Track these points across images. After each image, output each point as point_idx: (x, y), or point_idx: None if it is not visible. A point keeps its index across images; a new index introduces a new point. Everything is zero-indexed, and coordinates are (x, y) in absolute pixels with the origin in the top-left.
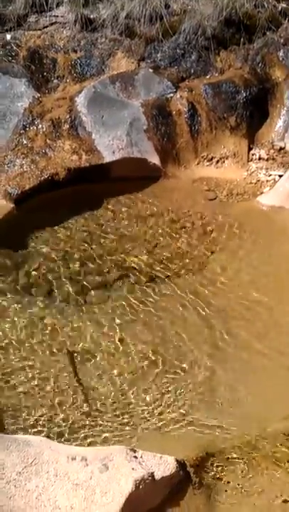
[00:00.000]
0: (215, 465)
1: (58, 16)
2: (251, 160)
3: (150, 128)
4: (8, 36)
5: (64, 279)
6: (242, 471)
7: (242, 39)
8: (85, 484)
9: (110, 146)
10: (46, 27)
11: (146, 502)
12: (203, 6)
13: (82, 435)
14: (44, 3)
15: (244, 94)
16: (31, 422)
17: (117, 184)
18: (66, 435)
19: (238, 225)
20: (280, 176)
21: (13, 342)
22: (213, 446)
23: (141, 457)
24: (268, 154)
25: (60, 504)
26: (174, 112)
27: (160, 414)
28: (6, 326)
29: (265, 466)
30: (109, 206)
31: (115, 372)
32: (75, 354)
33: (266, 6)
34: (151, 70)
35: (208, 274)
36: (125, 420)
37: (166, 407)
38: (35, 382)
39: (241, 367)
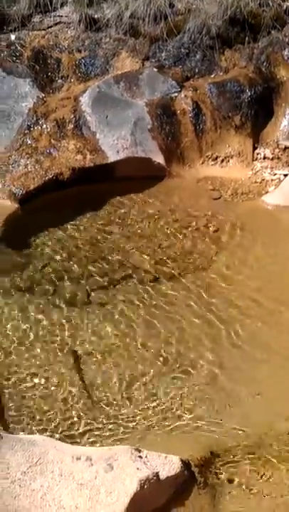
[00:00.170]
0: (220, 465)
1: (62, 16)
2: (256, 159)
3: (154, 127)
4: (13, 36)
5: (68, 279)
6: (247, 471)
7: (247, 38)
8: (89, 484)
9: (115, 146)
10: (50, 27)
11: (151, 502)
12: (208, 5)
13: (87, 435)
14: (48, 3)
15: (249, 94)
16: (36, 422)
17: (122, 184)
18: (71, 435)
19: (243, 224)
20: (285, 175)
21: (17, 342)
22: (218, 446)
23: (146, 457)
24: (272, 153)
25: (65, 504)
26: (179, 112)
27: (165, 413)
28: (10, 325)
29: (270, 465)
30: (114, 206)
31: (120, 372)
32: (80, 354)
33: (271, 4)
34: (155, 70)
35: (212, 274)
36: (130, 420)
37: (171, 407)
38: (39, 383)
39: (247, 367)
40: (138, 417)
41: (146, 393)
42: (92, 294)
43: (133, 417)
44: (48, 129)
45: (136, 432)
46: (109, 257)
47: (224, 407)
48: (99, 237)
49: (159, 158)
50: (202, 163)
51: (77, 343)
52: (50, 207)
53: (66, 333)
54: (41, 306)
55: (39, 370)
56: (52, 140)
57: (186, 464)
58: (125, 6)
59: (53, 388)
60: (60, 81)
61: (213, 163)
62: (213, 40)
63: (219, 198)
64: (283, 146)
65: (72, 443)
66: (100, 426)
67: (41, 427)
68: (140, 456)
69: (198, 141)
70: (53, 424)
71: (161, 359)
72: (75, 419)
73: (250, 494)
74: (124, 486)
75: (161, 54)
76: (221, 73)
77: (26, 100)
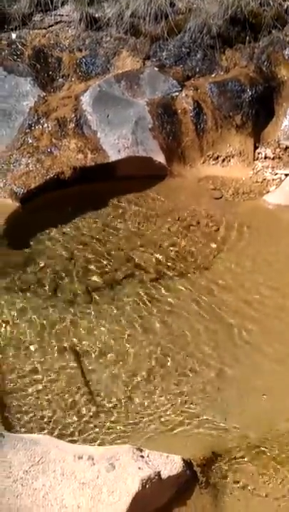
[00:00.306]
0: (222, 464)
1: (62, 15)
2: (257, 159)
3: (155, 127)
4: (14, 35)
5: (70, 278)
6: (249, 471)
7: (247, 37)
8: (91, 483)
9: (116, 145)
10: (51, 26)
11: (152, 501)
12: (209, 5)
13: (89, 434)
14: (49, 2)
15: (250, 93)
16: (38, 421)
17: (123, 183)
18: (73, 434)
19: (244, 224)
20: (287, 175)
21: (18, 341)
22: (220, 446)
23: (148, 456)
24: (273, 153)
25: (67, 503)
26: (180, 111)
27: (167, 413)
28: (11, 325)
29: (272, 465)
30: (115, 205)
31: (122, 371)
32: (82, 353)
33: (272, 4)
34: (156, 69)
35: (214, 273)
36: (132, 419)
37: (174, 407)
38: (42, 381)
39: (249, 366)
40: (140, 417)
41: (148, 392)
42: (94, 293)
43: (135, 416)
44: (49, 128)
45: (138, 431)
46: (111, 257)
47: (227, 406)
48: (100, 237)
49: (160, 158)
50: (203, 162)
51: (79, 342)
52: (51, 206)
53: (68, 332)
54: (42, 305)
55: (41, 369)
56: (53, 139)
57: (188, 464)
58: (126, 5)
59: (54, 387)
60: (61, 80)
61: (214, 162)
62: (214, 39)
63: (220, 197)
64: (284, 146)
65: (74, 442)
66: (102, 425)
67: (43, 426)
68: (142, 456)
69: (199, 140)
70: (54, 423)
71: (163, 358)
72: (77, 418)
73: (252, 494)
74: (126, 485)
75: (162, 53)
76: (222, 73)
77: (27, 99)
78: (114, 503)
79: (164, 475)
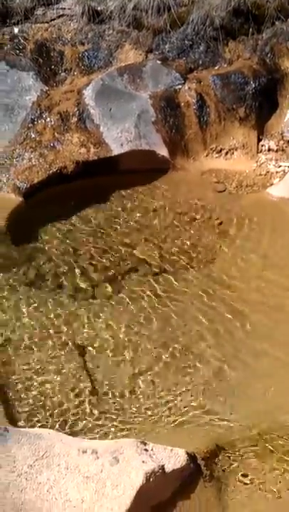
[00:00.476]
0: (226, 458)
1: (65, 9)
2: (261, 151)
3: (158, 120)
4: (16, 29)
5: (73, 273)
6: (253, 464)
7: (251, 29)
8: (95, 477)
9: (118, 139)
10: (53, 20)
11: (156, 495)
12: None
13: (93, 428)
14: None
15: (253, 85)
16: (42, 415)
17: (126, 177)
18: (76, 428)
19: (248, 216)
20: None
21: (23, 336)
22: (224, 439)
23: (151, 450)
24: (277, 145)
25: (71, 497)
26: (183, 104)
27: (171, 407)
28: (15, 320)
29: (276, 458)
30: (118, 199)
31: (125, 365)
32: (85, 348)
33: None
34: (159, 62)
35: (217, 267)
36: (136, 413)
37: (177, 400)
38: (45, 376)
39: (254, 360)
40: (144, 410)
41: (152, 386)
42: (97, 287)
43: (139, 410)
44: (52, 123)
45: (142, 425)
46: (114, 251)
47: (230, 400)
48: (103, 231)
49: (163, 151)
50: (206, 155)
51: (83, 336)
52: (54, 200)
53: (71, 327)
54: (45, 299)
55: (45, 363)
56: (56, 133)
57: (191, 457)
58: None
59: (58, 382)
60: (63, 74)
61: (217, 155)
62: (217, 31)
63: (224, 190)
64: (288, 138)
65: (77, 436)
66: (106, 419)
67: (47, 421)
68: (146, 449)
69: (203, 133)
70: (59, 417)
71: (167, 352)
72: (81, 412)
73: (256, 487)
74: (130, 479)
75: (164, 46)
76: (225, 65)
77: (30, 94)
78: (118, 496)
79: (168, 468)
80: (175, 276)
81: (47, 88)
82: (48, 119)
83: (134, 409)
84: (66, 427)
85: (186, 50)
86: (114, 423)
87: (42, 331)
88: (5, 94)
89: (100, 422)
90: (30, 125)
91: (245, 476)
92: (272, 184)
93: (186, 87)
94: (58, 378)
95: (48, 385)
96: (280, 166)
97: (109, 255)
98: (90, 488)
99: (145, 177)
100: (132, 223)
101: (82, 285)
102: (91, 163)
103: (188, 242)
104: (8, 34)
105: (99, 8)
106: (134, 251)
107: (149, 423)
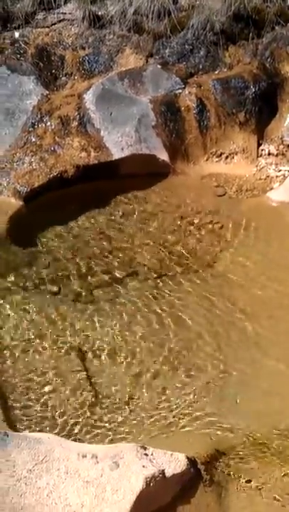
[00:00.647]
0: (226, 462)
1: (65, 13)
2: (261, 156)
3: (159, 124)
4: (17, 34)
5: (73, 277)
6: (253, 468)
7: (251, 34)
8: (95, 482)
9: (119, 143)
10: (54, 24)
11: (156, 499)
12: (212, 1)
13: (93, 432)
14: (52, 1)
15: (253, 90)
16: (42, 420)
17: (126, 181)
18: (76, 432)
19: (248, 221)
20: None
21: (22, 340)
22: (224, 443)
23: (152, 455)
24: (277, 150)
25: (71, 501)
26: (183, 108)
27: (171, 411)
28: (15, 324)
29: (276, 462)
30: (118, 203)
31: (125, 369)
32: (85, 352)
33: (275, 0)
34: (159, 66)
35: (218, 271)
36: (136, 417)
37: (178, 405)
38: (45, 380)
39: (254, 364)
40: (144, 415)
41: (152, 391)
42: (97, 291)
43: (139, 414)
44: (53, 127)
45: (142, 429)
46: (114, 255)
47: (230, 404)
48: (103, 235)
49: (164, 155)
50: (206, 159)
51: (83, 340)
52: (54, 204)
53: (71, 331)
54: (46, 303)
55: (44, 367)
56: (56, 137)
57: (192, 462)
58: (129, 2)
59: (58, 386)
60: (64, 78)
61: (217, 159)
62: (217, 36)
63: (224, 194)
64: (288, 143)
65: (77, 441)
66: (106, 423)
67: (47, 425)
68: (146, 454)
69: (203, 137)
70: (58, 421)
71: (167, 357)
72: (81, 416)
73: (256, 491)
74: (130, 483)
75: (165, 50)
76: (225, 69)
77: (30, 98)
78: (118, 501)
79: (168, 473)
80: (175, 280)
81: (47, 92)
82: (49, 123)
83: (134, 413)
84: (66, 432)
85: (187, 55)
86: (114, 427)
87: (42, 335)
88: (6, 99)
89: (99, 427)
90: (30, 129)
91: (245, 480)
92: (272, 188)
93: (187, 92)
94: (58, 382)
95: (47, 389)
96: (280, 171)
97: (109, 259)
98: (89, 493)
99: (145, 181)
100: (132, 227)
101: (82, 289)
102: (91, 167)
103: (188, 246)
104: (8, 38)
105: (100, 13)
106: (134, 255)
107: (148, 427)
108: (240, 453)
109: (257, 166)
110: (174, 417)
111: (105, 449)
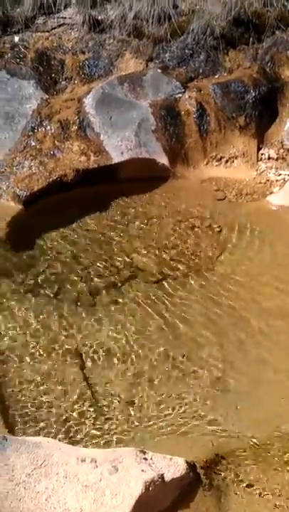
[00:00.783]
0: (225, 466)
1: (65, 18)
2: (261, 160)
3: (159, 128)
4: (16, 38)
5: (73, 280)
6: (253, 473)
7: (251, 38)
8: (94, 486)
9: (119, 147)
10: (54, 28)
11: (156, 504)
12: (212, 6)
13: (92, 436)
14: (52, 5)
15: (253, 94)
16: (41, 423)
17: (126, 185)
18: (75, 437)
19: (248, 225)
20: None
21: (21, 343)
22: (224, 448)
23: (151, 459)
24: (277, 154)
25: (70, 506)
26: (183, 112)
27: (170, 415)
28: (15, 326)
29: (276, 467)
30: (118, 207)
31: (125, 373)
32: (84, 355)
33: (275, 5)
34: (159, 71)
35: (217, 275)
36: (135, 421)
37: (177, 409)
38: (44, 384)
39: (254, 368)
40: (143, 419)
41: (152, 394)
42: (97, 295)
43: (139, 418)
44: (52, 131)
45: (141, 433)
46: (114, 258)
47: (230, 408)
48: (103, 239)
49: (163, 159)
50: (206, 163)
51: (82, 344)
52: (54, 208)
53: (71, 334)
54: (45, 307)
55: (44, 371)
56: (56, 142)
57: (191, 466)
58: (129, 7)
59: (57, 390)
60: (63, 82)
61: (217, 163)
62: (217, 40)
63: (223, 198)
64: (288, 147)
65: (76, 445)
66: (105, 427)
67: (46, 429)
68: (145, 458)
69: (203, 141)
70: (57, 425)
71: (167, 360)
72: (80, 420)
73: (256, 496)
74: (129, 488)
75: (165, 55)
76: (225, 74)
77: (30, 102)
78: (117, 505)
79: (168, 477)
80: (175, 283)
81: (47, 96)
82: (49, 127)
83: (133, 417)
84: (66, 436)
85: (187, 59)
86: (114, 431)
87: (41, 338)
88: (5, 103)
89: (99, 431)
90: (30, 133)
91: (245, 484)
92: (272, 192)
93: (187, 96)
94: (59, 386)
95: (48, 393)
96: (280, 175)
97: (108, 263)
98: (88, 497)
99: (145, 185)
100: (132, 231)
101: (82, 293)
102: (91, 171)
103: (188, 250)
104: (8, 43)
105: (99, 18)
106: (135, 259)
107: (148, 431)
108: (240, 458)
109: (257, 170)
110: (173, 421)
111: (104, 453)
